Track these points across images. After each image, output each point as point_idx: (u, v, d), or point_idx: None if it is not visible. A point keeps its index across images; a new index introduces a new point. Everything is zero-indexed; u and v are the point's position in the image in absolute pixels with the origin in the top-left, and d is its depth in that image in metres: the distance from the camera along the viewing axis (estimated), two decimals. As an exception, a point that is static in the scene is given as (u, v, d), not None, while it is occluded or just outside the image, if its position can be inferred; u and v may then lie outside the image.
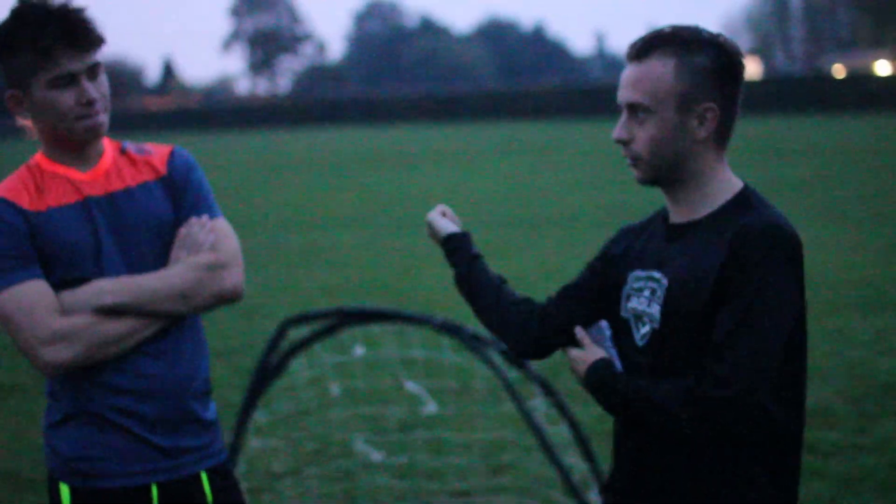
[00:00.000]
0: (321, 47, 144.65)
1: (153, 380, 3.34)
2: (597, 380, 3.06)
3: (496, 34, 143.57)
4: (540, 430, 5.88)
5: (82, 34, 3.28)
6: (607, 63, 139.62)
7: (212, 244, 3.42)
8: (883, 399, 8.42)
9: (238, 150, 54.99)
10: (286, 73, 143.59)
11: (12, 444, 8.30)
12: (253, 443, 6.94)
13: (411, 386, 8.80)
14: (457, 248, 3.56)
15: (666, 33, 2.95)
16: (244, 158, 47.53)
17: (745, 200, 2.95)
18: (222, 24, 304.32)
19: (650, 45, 2.94)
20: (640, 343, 3.01)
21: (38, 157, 3.43)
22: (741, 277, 2.83)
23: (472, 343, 5.86)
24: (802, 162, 31.51)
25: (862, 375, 9.12)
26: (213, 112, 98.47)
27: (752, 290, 2.82)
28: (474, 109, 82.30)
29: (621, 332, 3.09)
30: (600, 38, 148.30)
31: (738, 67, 2.98)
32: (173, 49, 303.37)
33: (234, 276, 3.43)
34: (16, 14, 3.30)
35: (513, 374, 5.97)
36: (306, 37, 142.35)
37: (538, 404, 6.01)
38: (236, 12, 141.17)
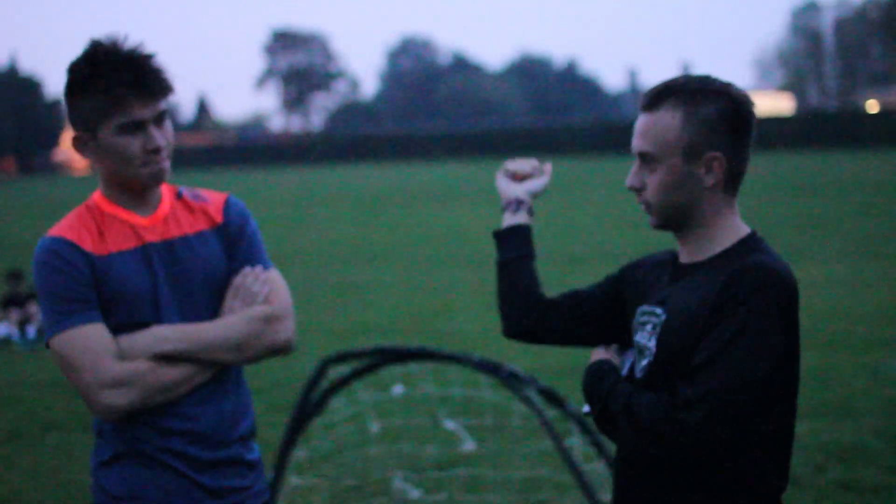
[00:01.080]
0: (354, 84, 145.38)
1: (201, 423, 3.41)
2: (592, 373, 3.17)
3: (529, 71, 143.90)
4: (577, 467, 5.93)
5: (153, 82, 3.34)
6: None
7: (265, 296, 3.48)
8: (919, 438, 8.42)
9: (272, 187, 55.21)
10: (319, 110, 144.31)
11: (51, 480, 8.39)
12: (293, 480, 7.00)
13: (449, 424, 8.85)
14: (509, 241, 3.73)
15: (675, 84, 3.06)
16: (278, 195, 47.74)
17: (748, 245, 3.06)
18: (256, 62, 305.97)
19: (660, 96, 3.06)
20: (639, 375, 3.12)
21: (97, 197, 3.49)
22: (726, 311, 2.92)
23: (509, 381, 5.92)
24: (836, 198, 31.42)
25: (898, 413, 9.12)
26: (247, 148, 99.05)
27: (735, 325, 2.90)
28: (508, 146, 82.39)
29: (636, 364, 3.19)
30: (633, 75, 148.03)
31: (747, 116, 3.05)
32: (207, 86, 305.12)
33: (288, 329, 3.50)
34: (89, 57, 3.34)
35: (550, 412, 6.02)
36: (339, 74, 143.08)
37: (575, 442, 6.05)
38: (270, 50, 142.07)
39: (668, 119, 3.02)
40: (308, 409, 6.07)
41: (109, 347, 3.32)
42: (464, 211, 34.69)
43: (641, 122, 3.08)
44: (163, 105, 3.38)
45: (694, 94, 3.02)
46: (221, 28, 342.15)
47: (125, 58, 3.33)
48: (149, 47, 3.40)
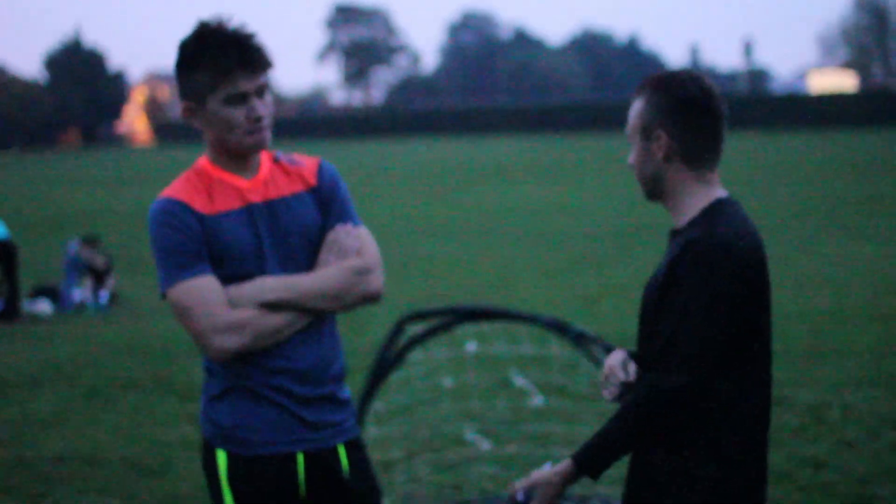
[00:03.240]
0: (415, 59, 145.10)
1: (301, 363, 3.77)
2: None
3: (590, 46, 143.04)
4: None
5: (256, 58, 3.73)
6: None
7: (357, 250, 3.84)
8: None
9: (332, 161, 55.34)
10: (380, 85, 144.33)
11: (132, 435, 8.79)
12: (371, 431, 7.30)
13: (519, 380, 9.14)
14: None
15: (651, 77, 3.55)
16: (338, 169, 47.88)
17: (707, 215, 3.42)
18: (317, 35, 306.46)
19: (639, 87, 3.57)
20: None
21: (204, 162, 3.85)
22: (675, 289, 3.33)
23: (577, 340, 6.22)
24: (899, 177, 31.29)
25: (952, 386, 9.30)
26: (307, 122, 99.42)
27: (684, 299, 3.30)
28: (568, 122, 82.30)
29: None
30: (694, 51, 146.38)
31: (695, 101, 3.46)
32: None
33: (378, 280, 3.86)
34: (198, 35, 3.73)
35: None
36: (401, 48, 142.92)
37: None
38: (332, 24, 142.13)
39: (637, 105, 3.53)
40: (385, 364, 6.38)
41: (221, 297, 3.69)
42: (524, 186, 34.84)
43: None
44: (264, 79, 3.76)
45: (658, 83, 3.50)
46: (283, 1, 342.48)
47: (231, 36, 3.71)
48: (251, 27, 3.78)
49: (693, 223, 3.41)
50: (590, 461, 3.40)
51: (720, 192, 3.48)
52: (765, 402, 3.40)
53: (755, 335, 3.35)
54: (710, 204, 3.44)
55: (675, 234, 3.48)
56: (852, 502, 6.71)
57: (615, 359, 3.47)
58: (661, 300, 3.35)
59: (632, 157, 3.54)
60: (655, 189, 3.52)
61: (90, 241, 16.43)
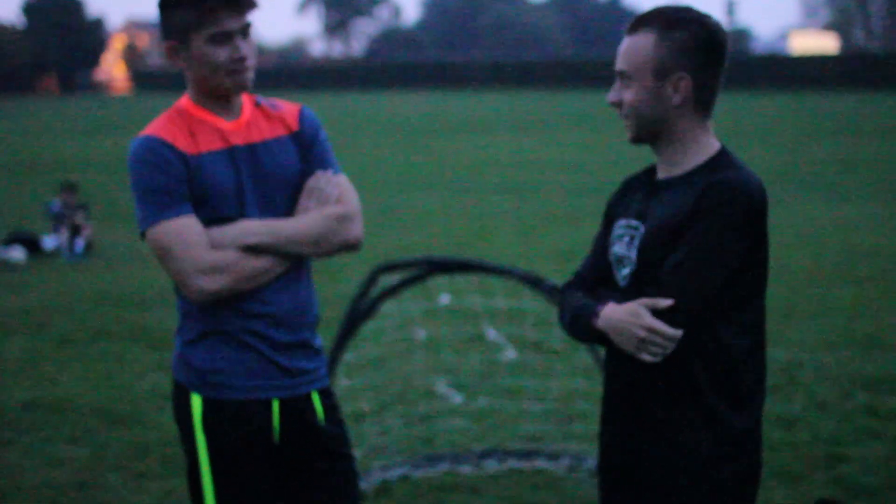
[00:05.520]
0: (396, 11, 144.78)
1: (279, 308, 3.75)
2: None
3: (571, 2, 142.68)
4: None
5: None
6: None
7: (338, 197, 3.81)
8: (945, 369, 8.63)
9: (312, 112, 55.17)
10: (361, 37, 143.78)
11: (102, 383, 8.74)
12: (342, 382, 7.27)
13: (492, 334, 9.13)
14: None
15: (655, 11, 3.37)
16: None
17: (719, 162, 3.33)
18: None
19: (641, 22, 3.36)
20: (622, 283, 3.40)
21: (185, 102, 3.79)
22: (695, 223, 3.23)
23: (551, 294, 6.19)
24: (878, 140, 31.34)
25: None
26: (287, 73, 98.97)
27: (700, 235, 3.22)
28: (549, 77, 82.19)
29: (608, 275, 3.47)
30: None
31: (717, 44, 3.33)
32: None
33: (358, 228, 3.84)
34: None
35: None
36: (382, 0, 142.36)
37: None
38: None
39: (643, 41, 3.32)
40: (358, 315, 6.34)
41: (203, 237, 3.65)
42: (502, 140, 34.81)
43: (623, 44, 3.39)
44: (248, 19, 3.71)
45: (669, 19, 3.32)
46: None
47: None
48: None
49: (702, 170, 3.31)
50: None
51: (717, 142, 3.39)
52: (764, 345, 3.37)
53: (763, 275, 3.33)
54: (718, 152, 3.35)
55: (669, 183, 3.36)
56: (823, 462, 6.72)
57: (644, 315, 3.22)
58: (674, 242, 3.25)
59: (629, 96, 3.35)
60: (653, 132, 3.37)
61: (70, 187, 16.26)
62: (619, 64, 3.37)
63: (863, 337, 9.70)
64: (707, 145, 3.36)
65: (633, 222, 3.39)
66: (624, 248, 3.39)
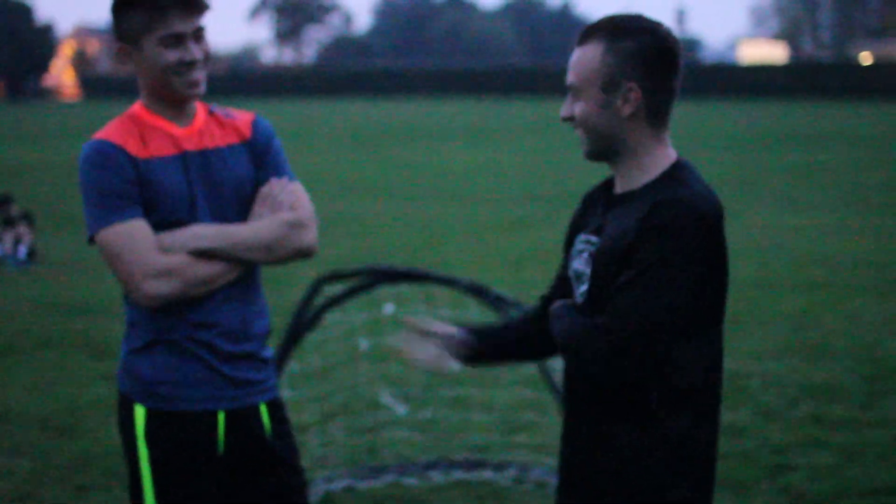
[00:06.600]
0: (348, 18, 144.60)
1: (226, 318, 3.69)
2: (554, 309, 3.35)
3: (523, 11, 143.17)
4: (558, 390, 6.16)
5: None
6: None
7: (291, 204, 3.76)
8: (890, 378, 8.64)
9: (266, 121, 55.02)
10: (312, 44, 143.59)
11: (45, 393, 8.61)
12: (285, 393, 7.19)
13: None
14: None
15: (603, 21, 3.23)
16: (270, 127, 47.58)
17: (671, 176, 3.20)
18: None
19: (588, 32, 3.23)
20: (579, 300, 3.30)
21: (138, 108, 3.74)
22: (642, 244, 3.09)
23: (496, 304, 6.15)
24: (826, 148, 31.60)
25: (873, 356, 9.35)
26: (238, 80, 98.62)
27: (648, 259, 3.08)
28: (500, 86, 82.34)
29: (569, 291, 3.37)
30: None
31: (668, 52, 3.20)
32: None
33: (311, 235, 3.79)
34: None
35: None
36: (333, 7, 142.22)
37: (557, 365, 6.28)
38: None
39: (591, 53, 3.18)
40: (301, 325, 6.27)
41: (152, 242, 3.60)
42: (454, 148, 34.82)
43: (572, 56, 3.26)
44: (200, 21, 3.66)
45: (617, 29, 3.18)
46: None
47: None
48: None
49: (655, 185, 3.18)
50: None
51: (673, 153, 3.26)
52: (720, 365, 3.27)
53: (720, 299, 3.22)
54: (672, 165, 3.22)
55: (625, 197, 3.23)
56: (770, 471, 6.72)
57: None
58: (621, 263, 3.12)
59: (578, 110, 3.21)
60: (608, 147, 3.23)
61: (4, 199, 16.13)
62: (569, 77, 3.25)
63: (810, 345, 9.74)
64: (661, 158, 3.23)
65: (592, 238, 3.28)
66: (582, 264, 3.29)
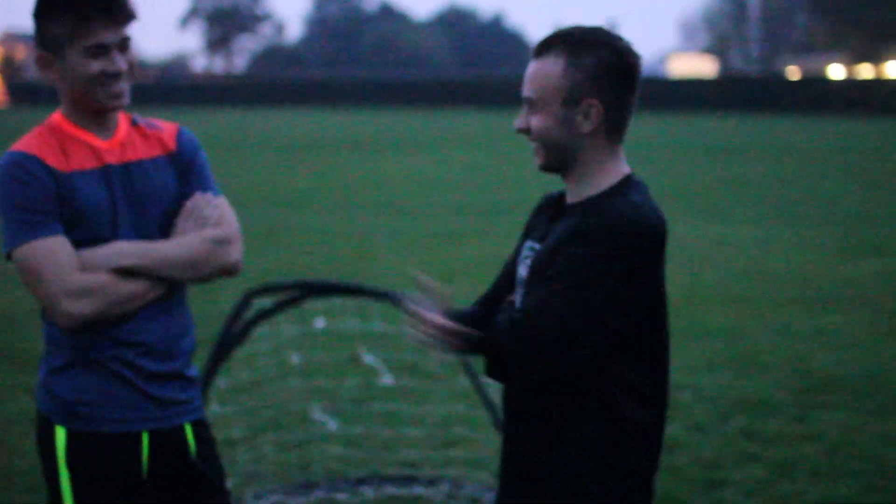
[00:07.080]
0: (279, 28, 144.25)
1: (150, 336, 3.58)
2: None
3: (455, 22, 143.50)
4: (492, 405, 6.10)
5: (119, 8, 3.50)
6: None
7: (217, 220, 3.66)
8: (821, 392, 8.69)
9: (192, 128, 54.53)
10: (243, 53, 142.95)
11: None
12: (213, 409, 7.09)
13: (369, 358, 9.00)
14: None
15: (562, 33, 3.20)
16: (199, 136, 47.24)
17: (619, 190, 3.19)
18: (181, 0, 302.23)
19: (547, 45, 3.20)
20: (518, 305, 3.25)
21: (58, 118, 3.61)
22: (566, 247, 3.07)
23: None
24: (755, 161, 31.87)
25: (802, 369, 9.39)
26: (168, 89, 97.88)
27: (568, 257, 3.06)
28: (432, 97, 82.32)
29: (516, 297, 3.32)
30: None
31: (629, 67, 3.19)
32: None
33: (237, 251, 3.69)
34: None
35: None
36: (265, 16, 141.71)
37: (491, 380, 6.23)
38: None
39: (551, 67, 3.16)
40: (230, 339, 6.16)
41: (73, 259, 3.47)
42: (385, 159, 34.71)
43: (529, 68, 3.23)
44: (126, 31, 3.54)
45: (578, 43, 3.15)
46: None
47: None
48: None
49: (600, 197, 3.16)
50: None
51: (626, 168, 3.25)
52: (665, 384, 3.23)
53: (657, 318, 3.17)
54: (622, 179, 3.20)
55: (573, 208, 3.20)
56: (702, 486, 6.70)
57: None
58: (550, 264, 3.09)
59: (536, 123, 3.19)
60: (563, 160, 3.20)
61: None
62: (526, 90, 3.22)
63: (740, 358, 9.76)
64: (613, 172, 3.22)
65: (536, 245, 3.26)
66: (524, 271, 3.26)
